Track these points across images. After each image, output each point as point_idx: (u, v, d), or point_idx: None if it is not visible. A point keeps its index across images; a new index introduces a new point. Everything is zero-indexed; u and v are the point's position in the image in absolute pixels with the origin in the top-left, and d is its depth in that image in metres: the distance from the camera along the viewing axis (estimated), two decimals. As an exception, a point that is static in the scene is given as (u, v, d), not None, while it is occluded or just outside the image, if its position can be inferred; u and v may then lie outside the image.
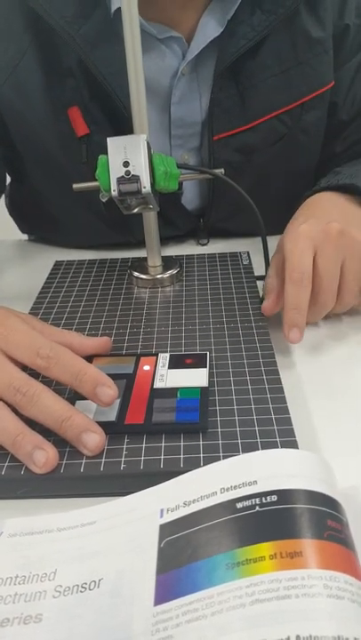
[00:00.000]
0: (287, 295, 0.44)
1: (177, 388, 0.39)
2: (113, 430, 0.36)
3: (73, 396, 0.38)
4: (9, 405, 0.36)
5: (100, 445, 0.35)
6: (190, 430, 0.36)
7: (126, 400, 0.39)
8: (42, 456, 0.34)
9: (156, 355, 0.44)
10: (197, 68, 0.58)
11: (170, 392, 0.39)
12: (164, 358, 0.43)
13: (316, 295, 0.45)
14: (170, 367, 0.42)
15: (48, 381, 0.38)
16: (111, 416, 0.37)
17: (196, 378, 0.40)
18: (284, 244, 0.46)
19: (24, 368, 0.37)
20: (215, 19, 0.56)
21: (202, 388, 0.39)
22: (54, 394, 0.36)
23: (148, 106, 0.58)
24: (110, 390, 0.36)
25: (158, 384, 0.40)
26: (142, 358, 0.43)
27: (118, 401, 0.38)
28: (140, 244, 0.58)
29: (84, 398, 0.37)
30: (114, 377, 0.40)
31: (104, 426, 0.36)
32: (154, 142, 0.60)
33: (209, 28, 0.56)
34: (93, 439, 0.34)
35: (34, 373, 0.37)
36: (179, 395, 0.39)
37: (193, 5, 0.56)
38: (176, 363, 0.42)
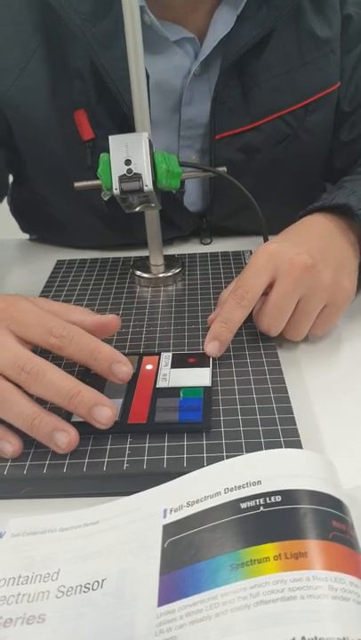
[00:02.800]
0: (223, 307, 0.43)
1: (180, 388, 0.39)
2: (116, 430, 0.36)
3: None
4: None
5: (112, 418, 0.35)
6: (193, 430, 0.36)
7: (129, 399, 0.39)
8: (64, 437, 0.34)
9: (159, 354, 0.43)
10: (208, 67, 0.58)
11: (173, 391, 0.39)
12: (166, 357, 0.43)
13: (259, 321, 0.44)
14: (172, 366, 0.42)
15: (57, 364, 0.36)
16: (114, 415, 0.37)
17: (198, 377, 0.40)
18: (249, 258, 0.45)
19: (35, 351, 0.37)
20: (226, 17, 0.55)
21: (205, 388, 0.39)
22: (60, 370, 0.35)
23: (159, 107, 0.58)
24: (125, 367, 0.36)
25: (161, 383, 0.40)
26: (145, 358, 0.43)
27: (121, 401, 0.38)
28: (142, 244, 0.57)
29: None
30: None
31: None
32: (162, 143, 0.60)
33: (219, 27, 0.56)
34: (106, 413, 0.34)
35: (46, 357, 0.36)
36: (182, 394, 0.39)
37: (204, 5, 0.56)
38: (179, 362, 0.42)
